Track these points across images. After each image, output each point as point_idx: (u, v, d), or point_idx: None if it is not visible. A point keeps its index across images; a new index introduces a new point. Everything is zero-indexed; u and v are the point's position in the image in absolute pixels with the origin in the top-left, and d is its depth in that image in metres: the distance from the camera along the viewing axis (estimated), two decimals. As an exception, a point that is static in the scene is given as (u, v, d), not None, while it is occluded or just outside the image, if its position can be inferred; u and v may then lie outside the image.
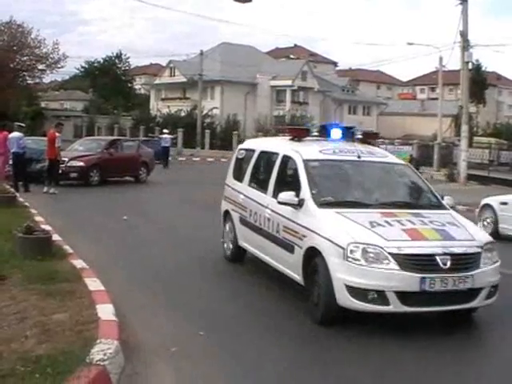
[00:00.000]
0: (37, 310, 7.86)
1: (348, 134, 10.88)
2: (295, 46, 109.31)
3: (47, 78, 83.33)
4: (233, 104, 71.55)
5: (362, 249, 7.89)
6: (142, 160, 29.37)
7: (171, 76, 78.38)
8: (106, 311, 7.80)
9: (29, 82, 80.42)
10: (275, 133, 65.02)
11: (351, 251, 7.91)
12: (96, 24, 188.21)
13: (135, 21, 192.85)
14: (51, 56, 76.28)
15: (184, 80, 74.17)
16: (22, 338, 6.83)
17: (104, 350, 6.45)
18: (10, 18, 77.32)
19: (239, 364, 7.00)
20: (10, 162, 24.09)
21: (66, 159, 25.18)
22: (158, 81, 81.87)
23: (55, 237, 12.14)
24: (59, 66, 77.14)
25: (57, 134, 24.02)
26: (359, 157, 9.92)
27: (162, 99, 79.41)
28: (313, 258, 8.48)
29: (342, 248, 7.96)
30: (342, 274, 7.95)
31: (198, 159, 54.07)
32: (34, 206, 18.19)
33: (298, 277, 9.05)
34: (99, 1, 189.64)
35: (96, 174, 26.34)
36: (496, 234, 15.50)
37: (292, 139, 10.88)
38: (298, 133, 11.22)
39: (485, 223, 16.91)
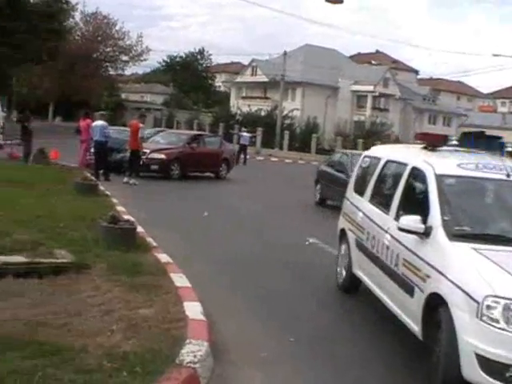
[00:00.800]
0: (122, 303, 7.58)
1: (494, 145, 9.32)
2: (377, 51, 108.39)
3: (128, 71, 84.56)
4: (313, 106, 70.82)
5: (503, 305, 5.74)
6: (224, 157, 29.04)
7: (253, 75, 78.12)
8: (193, 310, 7.48)
9: (111, 72, 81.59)
10: (354, 138, 65.00)
11: (488, 307, 5.79)
12: (179, 19, 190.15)
13: (218, 18, 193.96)
14: (134, 48, 77.42)
15: (265, 80, 73.74)
16: (107, 332, 6.55)
17: (194, 351, 6.16)
18: (96, 9, 78.64)
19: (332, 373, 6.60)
20: (92, 149, 24.26)
21: (148, 151, 25.08)
22: (239, 79, 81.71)
23: (138, 228, 11.83)
24: (142, 58, 78.30)
25: (140, 125, 24.03)
26: (509, 175, 7.65)
27: (243, 97, 79.21)
28: (436, 307, 6.43)
29: (476, 301, 5.86)
30: (473, 338, 5.85)
31: (275, 159, 53.51)
32: (114, 195, 18.09)
33: (415, 328, 7.06)
34: None
35: (177, 168, 26.10)
36: None
37: (425, 148, 8.87)
38: (433, 139, 9.75)
39: None
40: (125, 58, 77.52)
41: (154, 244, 11.43)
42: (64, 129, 54.02)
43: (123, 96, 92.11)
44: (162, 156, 25.64)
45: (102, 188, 18.52)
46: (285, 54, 64.91)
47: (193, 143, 27.71)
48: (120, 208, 15.49)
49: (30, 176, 19.86)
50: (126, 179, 22.90)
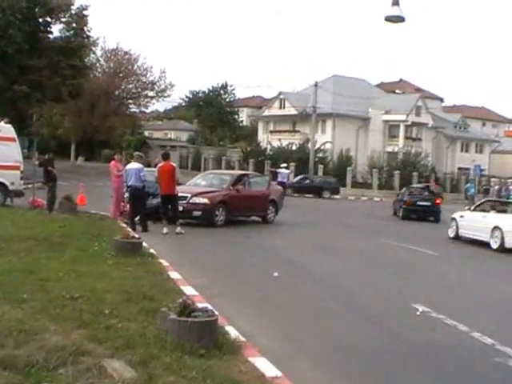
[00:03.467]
0: None
1: None
2: (401, 80, 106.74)
3: (149, 108, 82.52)
4: (344, 138, 68.14)
5: None
6: (271, 198, 26.31)
7: (281, 108, 75.39)
8: None
9: (133, 110, 79.38)
10: (389, 169, 62.21)
11: None
12: (199, 53, 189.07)
13: (237, 51, 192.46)
14: (158, 84, 75.13)
15: (294, 112, 71.11)
16: None
17: None
18: (117, 44, 76.58)
19: None
20: (126, 195, 21.97)
21: (188, 195, 22.76)
22: (267, 112, 79.01)
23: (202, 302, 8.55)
24: (166, 94, 75.95)
25: (174, 165, 21.12)
26: None
27: (271, 132, 76.54)
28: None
29: None
30: None
31: (310, 195, 50.97)
32: (161, 253, 15.09)
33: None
34: (206, 30, 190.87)
35: (222, 213, 23.45)
36: None
37: None
38: None
39: None
40: (150, 93, 75.00)
41: (242, 339, 8.08)
42: (87, 169, 51.83)
43: (146, 134, 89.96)
44: (205, 200, 23.01)
45: (145, 245, 15.26)
46: (316, 85, 62.35)
47: (238, 185, 25.02)
48: (174, 274, 12.36)
49: (57, 230, 17.05)
50: (165, 230, 20.05)
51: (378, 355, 8.42)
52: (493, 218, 22.70)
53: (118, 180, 22.49)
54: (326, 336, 9.28)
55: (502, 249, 21.29)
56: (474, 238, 23.52)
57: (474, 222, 23.68)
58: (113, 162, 23.59)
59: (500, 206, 24.92)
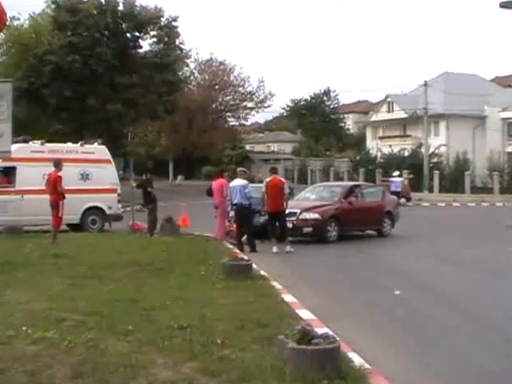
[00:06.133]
0: None
1: None
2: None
3: (249, 120, 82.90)
4: (459, 140, 66.42)
5: None
6: (387, 210, 26.03)
7: (389, 112, 74.41)
8: None
9: (232, 123, 79.97)
10: (510, 172, 60.21)
11: None
12: (298, 59, 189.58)
13: (338, 55, 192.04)
14: (256, 94, 75.44)
15: (404, 115, 70.03)
16: None
17: None
18: (210, 55, 77.28)
19: None
20: (231, 214, 22.21)
21: (298, 211, 22.81)
22: (374, 117, 78.24)
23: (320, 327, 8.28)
24: (266, 105, 76.16)
25: (283, 180, 21.14)
26: None
27: (380, 138, 75.67)
28: None
29: None
30: None
31: (427, 204, 50.19)
32: (272, 274, 14.96)
33: None
34: (303, 35, 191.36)
35: (334, 229, 23.39)
36: None
37: None
38: None
39: None
40: (249, 104, 75.49)
41: (367, 366, 7.74)
42: (187, 188, 52.47)
43: (248, 147, 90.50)
44: (316, 216, 23.15)
45: (254, 266, 15.11)
46: (425, 84, 61.32)
47: (350, 197, 24.96)
48: (288, 297, 12.12)
49: (160, 254, 17.23)
50: (275, 249, 20.15)
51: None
52: None
53: (220, 197, 22.58)
54: (459, 359, 8.80)
55: None
56: None
57: None
58: (220, 180, 23.44)
59: None
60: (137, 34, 57.33)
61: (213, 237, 22.54)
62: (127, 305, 10.67)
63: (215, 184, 23.38)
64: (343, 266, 18.26)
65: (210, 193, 23.80)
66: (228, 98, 76.40)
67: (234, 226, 21.68)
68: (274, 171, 21.94)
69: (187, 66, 69.48)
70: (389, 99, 75.59)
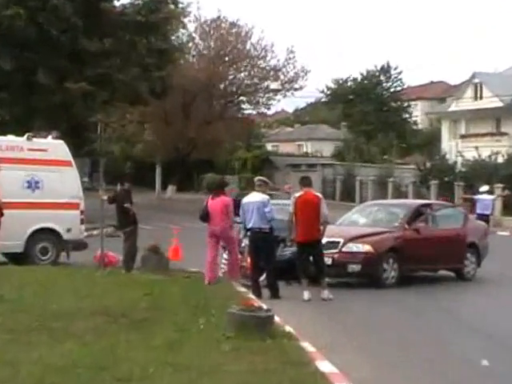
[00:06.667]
0: None
1: None
2: None
3: (272, 107, 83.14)
4: None
5: None
6: (470, 241, 26.19)
7: (476, 99, 74.72)
8: None
9: (247, 111, 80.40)
10: None
11: None
12: (344, 23, 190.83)
13: (402, 18, 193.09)
14: (283, 71, 75.66)
15: (498, 104, 70.43)
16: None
17: None
18: (218, 12, 76.84)
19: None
20: (244, 243, 22.45)
21: (341, 240, 23.07)
22: (453, 107, 78.57)
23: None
24: (296, 86, 76.40)
25: (319, 196, 21.84)
26: None
27: (462, 136, 75.96)
28: None
29: None
30: None
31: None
32: (301, 330, 15.23)
33: None
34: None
35: (393, 267, 23.53)
36: None
37: None
38: None
39: None
40: (273, 85, 75.70)
41: None
42: (182, 204, 52.94)
43: (269, 147, 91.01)
44: (368, 248, 23.34)
45: (277, 319, 15.29)
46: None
47: (417, 221, 25.22)
48: (326, 366, 12.17)
49: (141, 300, 17.49)
50: (306, 295, 20.39)
51: None
52: None
53: (222, 220, 22.31)
54: None
55: None
56: None
57: None
58: (223, 199, 23.01)
59: None
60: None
61: (218, 276, 22.67)
62: (92, 373, 10.77)
63: (215, 203, 22.64)
64: (405, 320, 18.54)
65: (206, 217, 23.23)
66: (242, 75, 76.90)
67: (248, 260, 21.88)
68: (306, 183, 21.95)
69: (184, 27, 69.48)
70: (476, 80, 76.07)
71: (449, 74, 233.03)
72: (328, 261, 21.89)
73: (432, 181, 63.02)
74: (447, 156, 70.41)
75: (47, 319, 14.60)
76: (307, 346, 13.71)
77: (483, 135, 73.97)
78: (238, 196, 37.15)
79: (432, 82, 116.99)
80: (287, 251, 22.69)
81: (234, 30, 75.87)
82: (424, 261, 24.70)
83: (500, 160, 63.67)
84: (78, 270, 23.82)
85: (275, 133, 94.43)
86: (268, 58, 76.06)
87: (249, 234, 21.31)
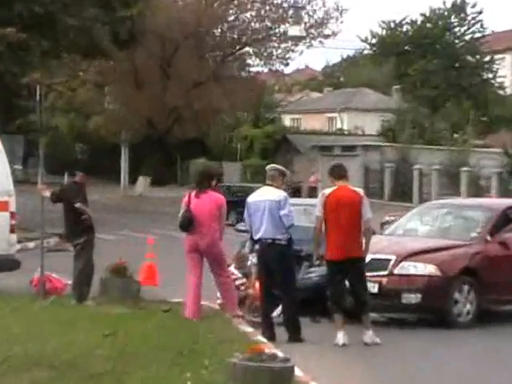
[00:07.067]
0: None
1: None
2: None
3: (290, 63, 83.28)
4: None
5: None
6: None
7: None
8: None
9: (255, 68, 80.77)
10: None
11: None
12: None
13: None
14: (307, 11, 75.92)
15: None
16: None
17: None
18: None
19: None
20: (250, 261, 22.86)
21: (392, 258, 23.20)
22: None
23: None
24: (326, 32, 76.63)
25: (361, 193, 21.62)
26: None
27: None
28: None
29: None
30: None
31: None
32: None
33: None
34: None
35: (468, 297, 23.59)
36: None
37: None
38: None
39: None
40: (292, 30, 75.74)
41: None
42: (159, 203, 53.50)
43: (287, 121, 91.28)
44: (432, 269, 23.34)
45: (297, 373, 15.29)
46: None
47: (505, 231, 25.22)
48: None
49: (100, 344, 17.37)
50: (341, 338, 20.23)
51: None
52: None
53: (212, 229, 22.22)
54: None
55: None
56: None
57: None
58: (213, 196, 22.90)
59: None
60: None
61: (212, 308, 22.98)
62: None
63: (200, 203, 22.38)
64: (487, 378, 18.26)
65: (189, 224, 23.01)
66: (248, 15, 76.90)
67: (257, 286, 21.98)
68: (341, 174, 21.66)
69: None
70: None
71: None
72: (373, 288, 22.07)
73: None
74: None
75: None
76: None
77: None
78: (238, 192, 37.44)
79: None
80: (313, 273, 23.11)
81: None
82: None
83: None
84: (7, 300, 23.80)
85: (296, 100, 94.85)
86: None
87: (257, 247, 21.25)
